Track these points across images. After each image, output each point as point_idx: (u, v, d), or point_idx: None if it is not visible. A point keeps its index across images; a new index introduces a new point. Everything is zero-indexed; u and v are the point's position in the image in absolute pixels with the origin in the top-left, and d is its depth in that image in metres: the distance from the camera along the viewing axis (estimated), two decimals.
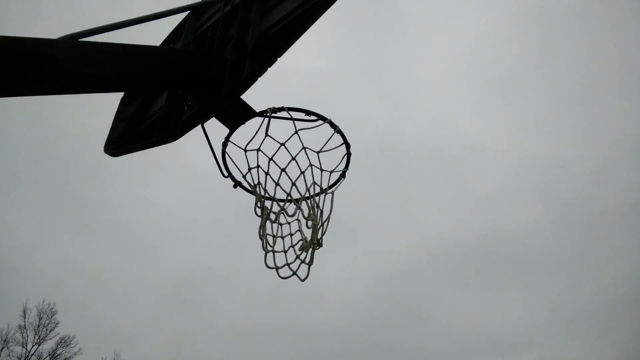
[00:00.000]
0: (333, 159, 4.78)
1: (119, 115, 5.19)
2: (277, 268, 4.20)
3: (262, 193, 4.50)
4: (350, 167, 4.80)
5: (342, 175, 4.74)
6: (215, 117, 4.45)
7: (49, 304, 32.66)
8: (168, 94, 4.59)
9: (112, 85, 3.53)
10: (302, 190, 4.56)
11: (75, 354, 32.36)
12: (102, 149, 4.97)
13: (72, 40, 3.18)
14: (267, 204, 4.52)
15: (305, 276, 4.15)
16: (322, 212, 4.44)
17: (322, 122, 4.52)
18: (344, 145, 4.66)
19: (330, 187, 4.62)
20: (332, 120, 4.52)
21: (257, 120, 4.56)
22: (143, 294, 53.02)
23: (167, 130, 4.30)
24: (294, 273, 4.20)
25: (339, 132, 4.56)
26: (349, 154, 4.69)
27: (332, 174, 4.70)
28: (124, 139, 4.85)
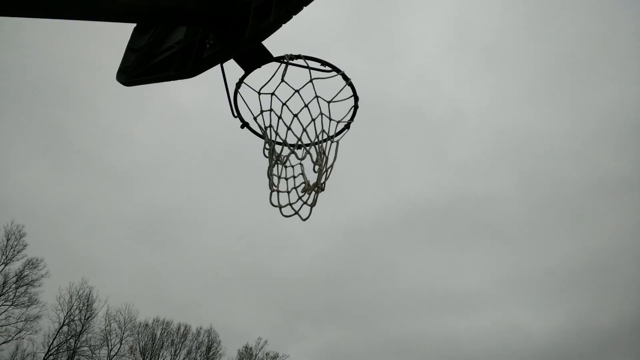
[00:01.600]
0: (339, 109, 4.99)
1: (132, 45, 5.23)
2: (280, 207, 4.47)
3: (273, 136, 4.71)
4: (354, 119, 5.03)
5: (347, 126, 4.96)
6: (232, 57, 4.58)
7: (17, 226, 32.61)
8: (186, 29, 4.67)
9: (148, 16, 3.64)
10: (312, 136, 4.78)
11: (42, 276, 32.68)
12: (115, 77, 5.06)
13: None
14: (277, 146, 4.74)
15: (307, 216, 4.44)
16: (327, 158, 4.70)
17: (335, 73, 4.69)
18: (352, 97, 4.86)
19: (335, 134, 4.85)
20: (345, 73, 4.70)
21: (268, 65, 4.71)
22: (114, 226, 53.17)
23: (186, 66, 4.42)
24: (296, 212, 4.48)
25: (350, 84, 4.75)
26: (356, 107, 4.90)
27: (338, 124, 4.91)
28: (138, 69, 4.93)
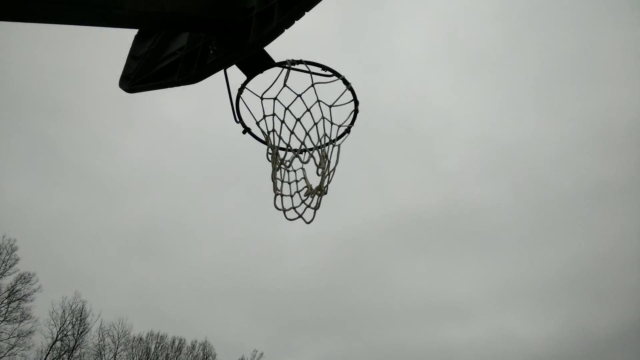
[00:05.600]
0: (340, 113, 5.06)
1: (134, 52, 5.28)
2: (284, 210, 4.52)
3: (277, 140, 4.77)
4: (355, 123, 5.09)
5: (347, 130, 5.03)
6: (235, 63, 4.64)
7: (9, 240, 32.26)
8: (189, 35, 4.73)
9: (154, 22, 3.69)
10: (314, 140, 4.85)
11: (34, 290, 32.31)
12: (118, 84, 5.10)
13: None
14: (279, 151, 4.80)
15: (310, 219, 4.49)
16: (329, 162, 4.76)
17: (336, 78, 4.76)
18: (352, 102, 4.93)
19: (337, 139, 4.92)
20: (346, 78, 4.78)
21: (269, 71, 4.77)
22: (106, 239, 52.75)
23: (190, 72, 4.48)
24: (300, 216, 4.52)
25: (351, 89, 4.82)
26: (356, 111, 4.96)
27: (339, 128, 4.97)
28: (140, 76, 4.98)
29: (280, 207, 4.53)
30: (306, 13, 4.00)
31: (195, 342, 41.15)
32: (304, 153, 4.83)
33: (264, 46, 4.21)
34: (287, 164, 4.75)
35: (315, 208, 4.54)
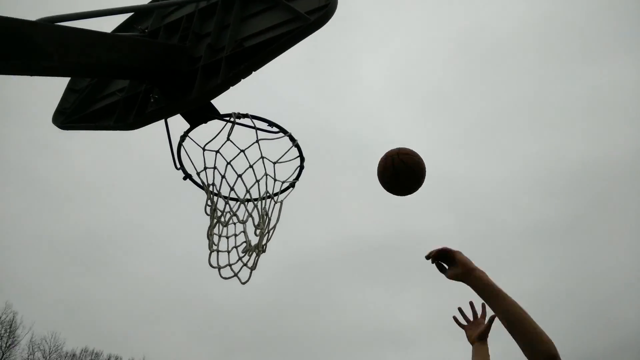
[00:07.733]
0: (285, 168, 4.94)
1: (73, 85, 4.99)
2: (219, 268, 4.30)
3: (216, 195, 4.58)
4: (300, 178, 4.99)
5: (292, 185, 4.91)
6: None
7: None
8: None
9: (86, 73, 3.48)
10: (255, 196, 4.69)
11: None
12: (51, 119, 4.80)
13: (51, 24, 3.09)
14: (219, 204, 4.60)
15: (246, 279, 4.30)
16: (269, 219, 4.60)
17: (282, 134, 4.66)
18: (298, 158, 4.83)
19: (279, 193, 4.79)
20: (292, 134, 4.68)
21: (214, 121, 4.60)
22: (44, 246, 50.30)
23: (128, 118, 4.23)
24: (235, 275, 4.32)
25: (297, 146, 4.72)
26: (301, 167, 4.86)
27: (283, 183, 4.85)
28: (76, 114, 4.69)
29: (215, 264, 4.32)
30: (253, 72, 3.87)
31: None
32: (244, 211, 4.65)
33: (207, 101, 4.05)
34: (225, 219, 4.56)
35: (252, 268, 4.35)
